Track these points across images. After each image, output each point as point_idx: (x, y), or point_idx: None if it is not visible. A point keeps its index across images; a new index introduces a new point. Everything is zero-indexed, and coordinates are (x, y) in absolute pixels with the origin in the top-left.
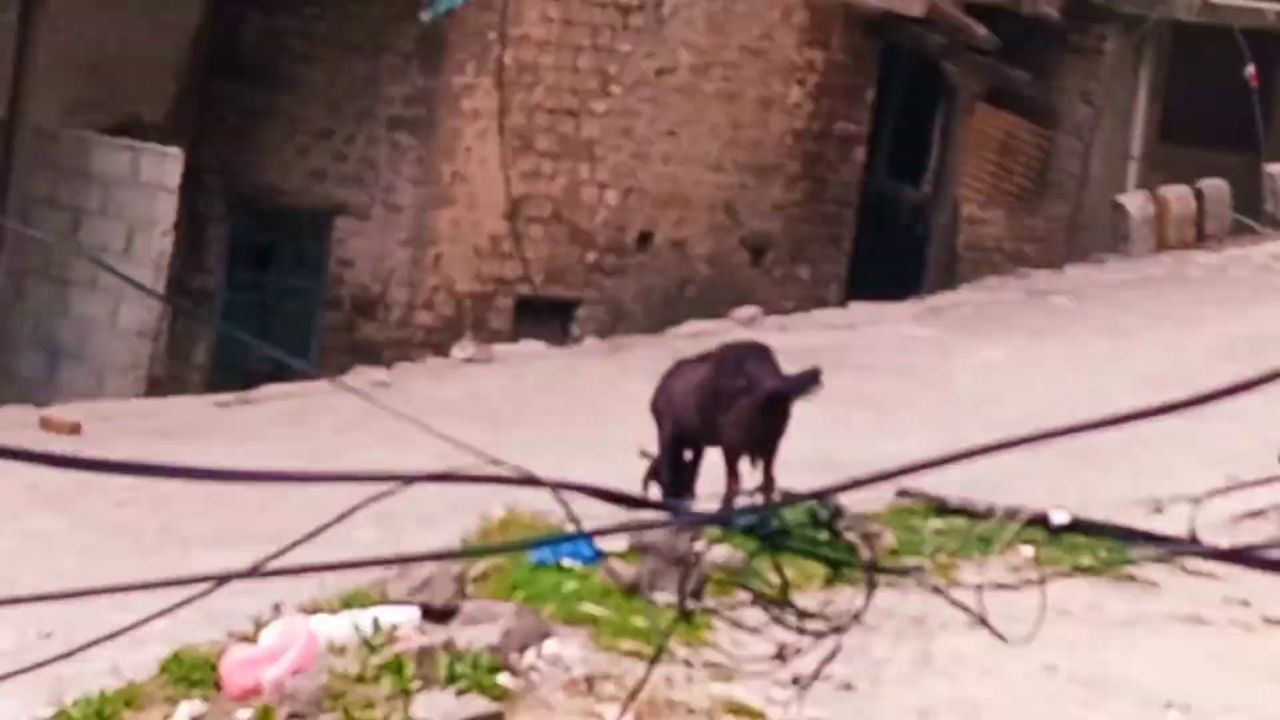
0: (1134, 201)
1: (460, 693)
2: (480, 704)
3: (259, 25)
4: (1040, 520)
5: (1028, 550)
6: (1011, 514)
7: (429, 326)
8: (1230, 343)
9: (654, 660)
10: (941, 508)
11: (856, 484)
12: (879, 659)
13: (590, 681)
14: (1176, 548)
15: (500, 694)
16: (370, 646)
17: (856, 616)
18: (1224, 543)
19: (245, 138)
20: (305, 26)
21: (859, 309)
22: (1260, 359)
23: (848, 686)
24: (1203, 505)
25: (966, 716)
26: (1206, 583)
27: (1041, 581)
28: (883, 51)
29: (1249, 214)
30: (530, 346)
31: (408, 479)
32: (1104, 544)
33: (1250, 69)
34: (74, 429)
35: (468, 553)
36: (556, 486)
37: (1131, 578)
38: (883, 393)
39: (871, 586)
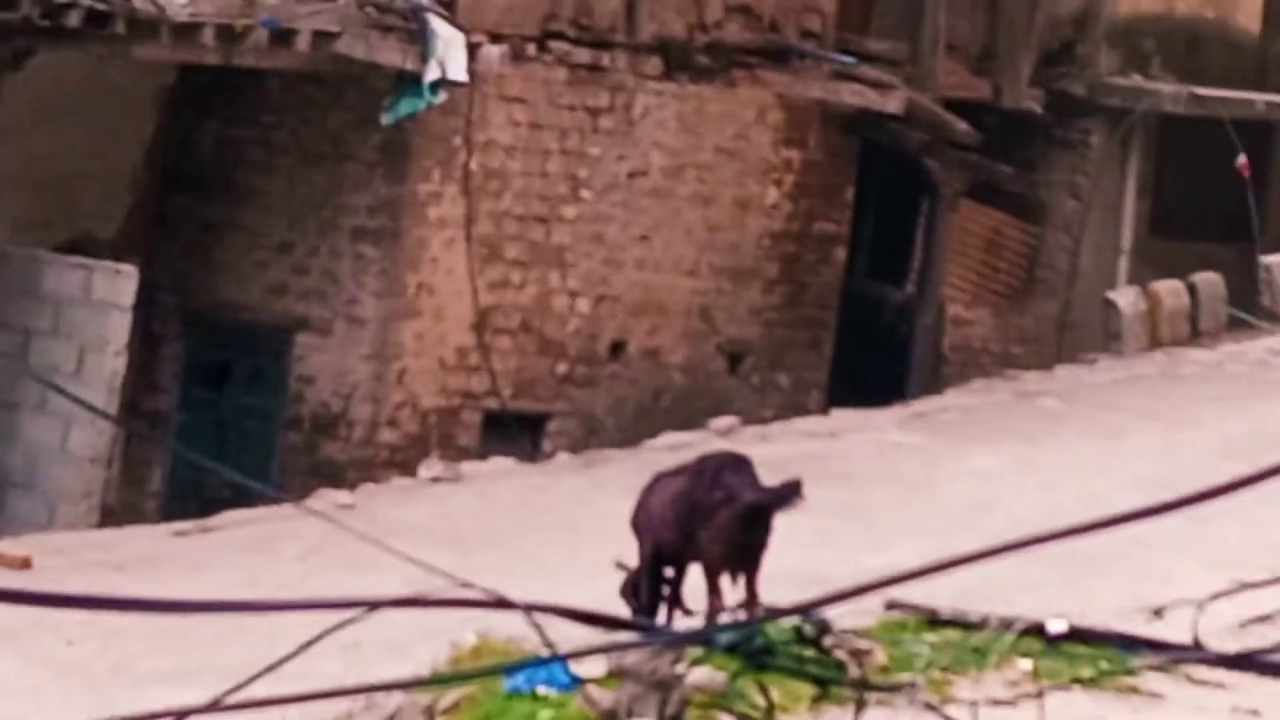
0: (1125, 298)
1: None
2: None
3: (215, 135)
4: (1037, 630)
5: (1025, 662)
6: (1007, 624)
7: (394, 445)
8: (1228, 441)
9: None
10: (934, 620)
11: (843, 597)
12: None
13: None
14: (1180, 655)
15: None
16: None
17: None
18: (1230, 649)
19: (202, 252)
20: (264, 135)
21: (841, 416)
22: (1260, 457)
23: None
24: (1206, 610)
25: None
26: (1213, 692)
27: (1039, 695)
28: (861, 149)
29: (1244, 308)
30: (499, 464)
31: (373, 605)
32: (1104, 653)
33: (1242, 159)
34: (24, 563)
35: (438, 681)
36: (529, 609)
37: (1134, 689)
38: (868, 503)
39: (861, 705)
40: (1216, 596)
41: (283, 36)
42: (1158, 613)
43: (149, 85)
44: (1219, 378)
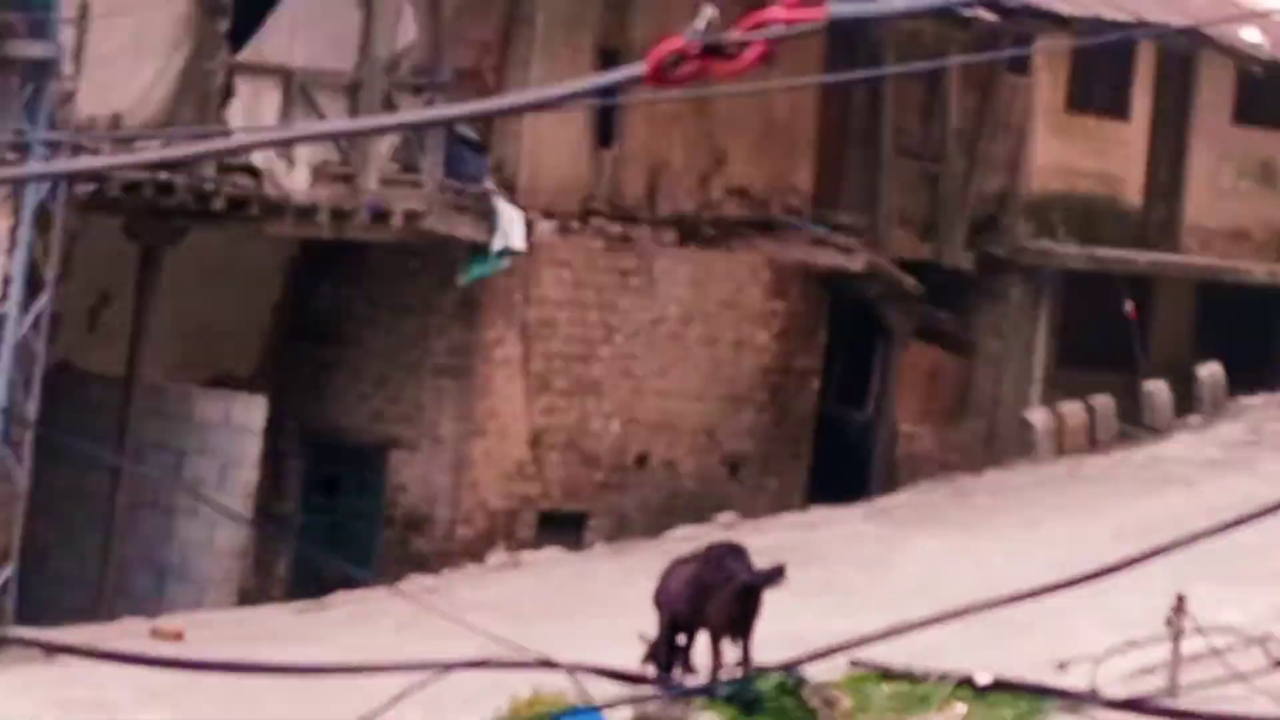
0: (1038, 417)
1: None
2: None
3: (329, 294)
4: (968, 681)
5: (961, 707)
6: (944, 677)
7: (468, 539)
8: (1120, 528)
9: None
10: (888, 674)
11: (816, 656)
12: None
13: None
14: (1081, 700)
15: None
16: None
17: None
18: (1121, 694)
19: (317, 387)
20: (366, 293)
21: (818, 512)
22: (1148, 540)
23: None
24: (1103, 663)
25: None
26: None
27: None
28: (831, 300)
29: (1131, 423)
30: (551, 553)
31: (449, 666)
32: (1022, 699)
33: (1129, 306)
34: (178, 636)
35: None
36: (571, 669)
37: None
38: (839, 580)
39: None
40: (1110, 653)
41: (381, 216)
42: (1063, 666)
43: (277, 255)
44: (1113, 478)
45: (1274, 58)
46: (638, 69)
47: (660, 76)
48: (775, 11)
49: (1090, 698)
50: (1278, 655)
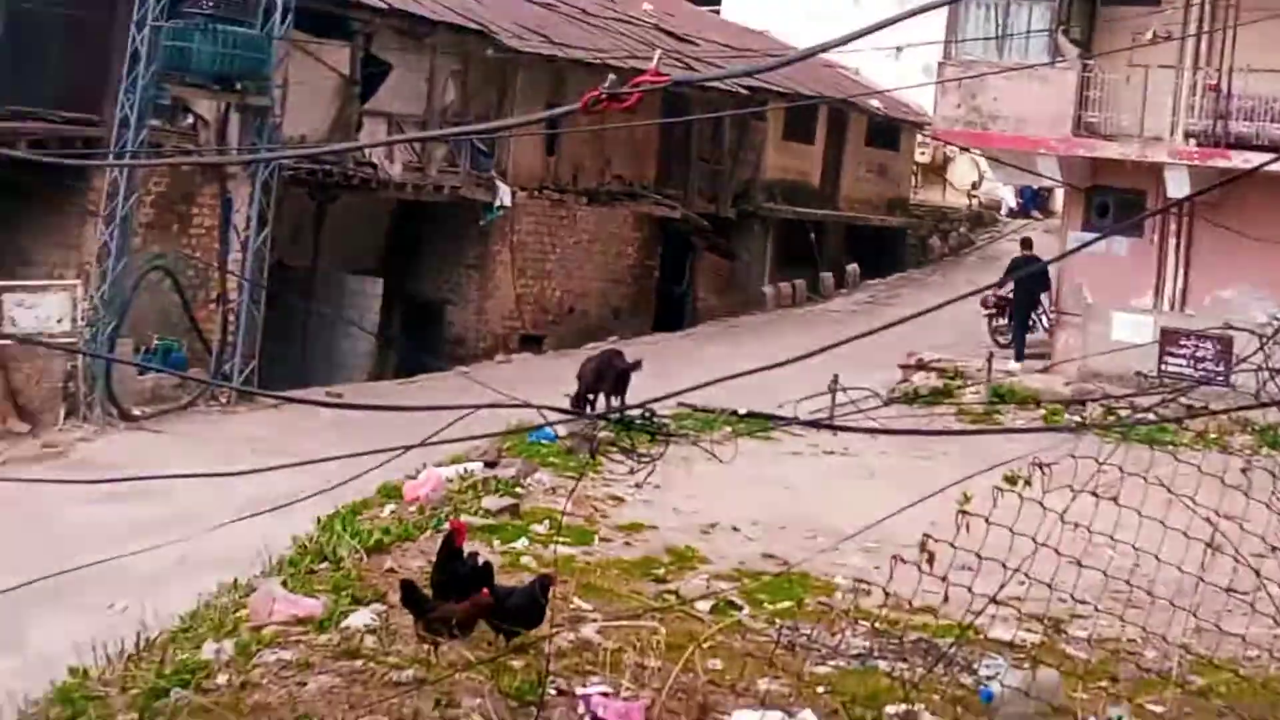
0: (768, 290)
1: (500, 496)
2: (508, 500)
3: (412, 228)
4: (734, 413)
5: (728, 428)
6: (721, 411)
7: (485, 348)
8: (808, 343)
9: (578, 480)
10: (695, 409)
11: (656, 400)
12: (669, 473)
13: (554, 489)
14: (790, 422)
15: (516, 496)
16: (463, 480)
17: (659, 456)
18: (807, 419)
19: (409, 272)
20: (432, 227)
21: (658, 335)
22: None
23: (656, 486)
24: (799, 405)
25: (708, 491)
26: (800, 440)
27: (736, 439)
28: (664, 233)
29: (813, 293)
30: (525, 355)
31: (477, 407)
32: (762, 422)
33: (812, 236)
34: (339, 395)
35: (503, 434)
36: (539, 407)
37: (773, 438)
38: (670, 369)
39: (666, 443)
40: (802, 401)
41: (438, 188)
42: (780, 406)
43: (386, 208)
44: (804, 320)
45: (886, 115)
46: (574, 106)
47: (586, 110)
48: (645, 77)
49: (795, 420)
50: (886, 398)
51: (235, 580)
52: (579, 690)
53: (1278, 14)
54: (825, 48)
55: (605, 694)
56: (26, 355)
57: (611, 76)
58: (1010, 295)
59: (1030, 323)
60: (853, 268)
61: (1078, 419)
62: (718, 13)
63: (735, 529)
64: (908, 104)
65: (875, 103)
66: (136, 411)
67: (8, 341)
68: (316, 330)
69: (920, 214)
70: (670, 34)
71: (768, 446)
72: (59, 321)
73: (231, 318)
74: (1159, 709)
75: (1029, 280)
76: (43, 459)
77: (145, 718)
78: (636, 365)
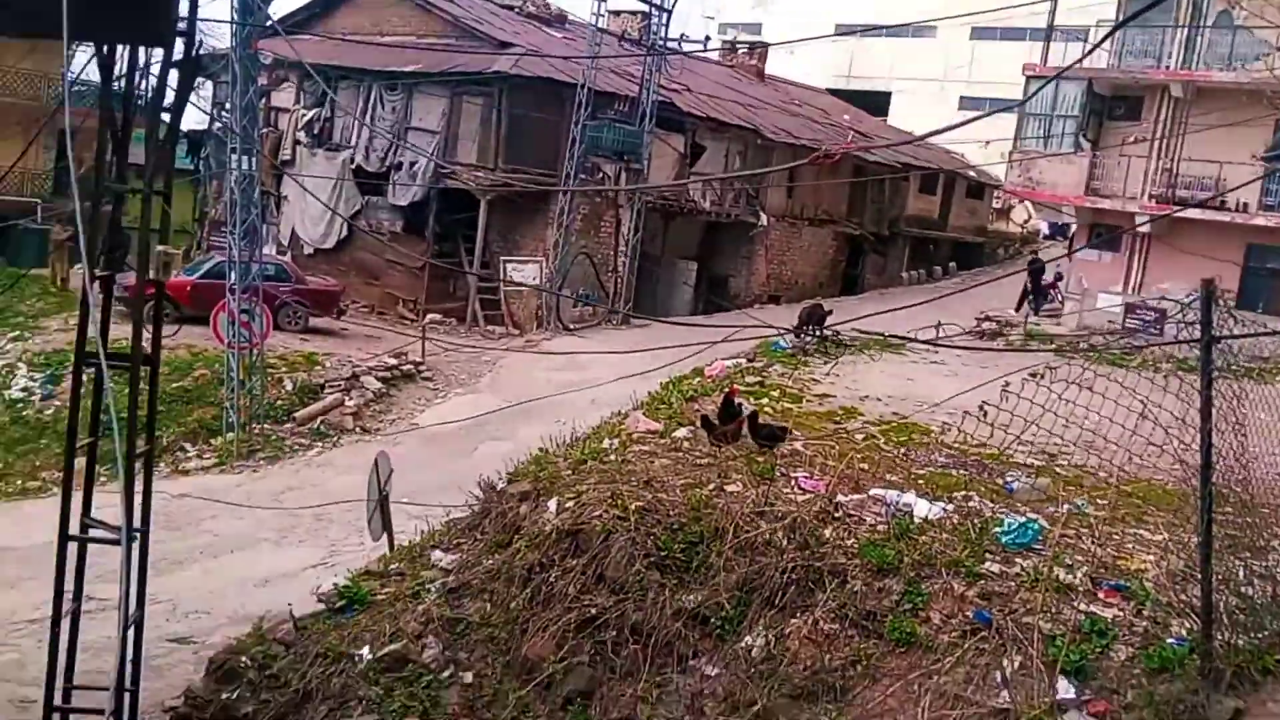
0: (905, 275)
1: (755, 375)
2: (759, 379)
3: (723, 236)
4: (881, 335)
5: (877, 345)
6: (876, 335)
7: (751, 299)
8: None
9: (795, 369)
10: (861, 333)
11: (839, 324)
12: (843, 368)
13: (783, 374)
14: (911, 341)
15: (763, 376)
16: (736, 368)
17: (838, 358)
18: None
19: (710, 257)
20: (720, 233)
21: (844, 296)
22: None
23: (837, 375)
24: (918, 333)
25: (864, 378)
26: (918, 353)
27: (881, 351)
28: (848, 242)
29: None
30: (770, 305)
31: (744, 328)
32: (897, 342)
33: None
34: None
35: (758, 341)
36: (778, 329)
37: (903, 352)
38: (850, 313)
39: (842, 352)
40: (920, 329)
41: (728, 214)
42: (914, 332)
43: (700, 224)
44: (927, 290)
45: (978, 179)
46: (804, 160)
47: (814, 163)
48: (843, 146)
49: (914, 339)
50: (964, 331)
51: (620, 410)
52: (793, 474)
53: (1207, 128)
54: (938, 132)
55: (807, 476)
56: (516, 295)
57: (826, 147)
58: (1028, 281)
59: (1049, 297)
60: (952, 265)
61: (1071, 348)
62: (885, 119)
63: (878, 399)
64: (990, 173)
65: (972, 173)
66: (572, 326)
67: (511, 287)
68: (663, 289)
69: (993, 236)
70: (858, 131)
71: (898, 357)
72: (534, 278)
73: (620, 280)
74: (1102, 501)
75: (1032, 274)
76: (525, 350)
77: (575, 469)
78: (830, 311)
